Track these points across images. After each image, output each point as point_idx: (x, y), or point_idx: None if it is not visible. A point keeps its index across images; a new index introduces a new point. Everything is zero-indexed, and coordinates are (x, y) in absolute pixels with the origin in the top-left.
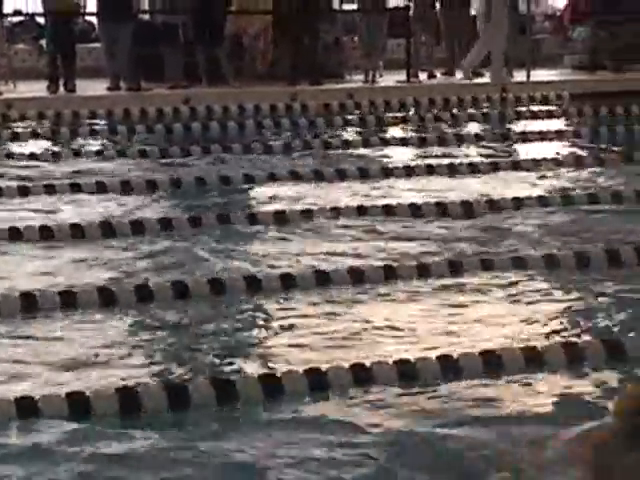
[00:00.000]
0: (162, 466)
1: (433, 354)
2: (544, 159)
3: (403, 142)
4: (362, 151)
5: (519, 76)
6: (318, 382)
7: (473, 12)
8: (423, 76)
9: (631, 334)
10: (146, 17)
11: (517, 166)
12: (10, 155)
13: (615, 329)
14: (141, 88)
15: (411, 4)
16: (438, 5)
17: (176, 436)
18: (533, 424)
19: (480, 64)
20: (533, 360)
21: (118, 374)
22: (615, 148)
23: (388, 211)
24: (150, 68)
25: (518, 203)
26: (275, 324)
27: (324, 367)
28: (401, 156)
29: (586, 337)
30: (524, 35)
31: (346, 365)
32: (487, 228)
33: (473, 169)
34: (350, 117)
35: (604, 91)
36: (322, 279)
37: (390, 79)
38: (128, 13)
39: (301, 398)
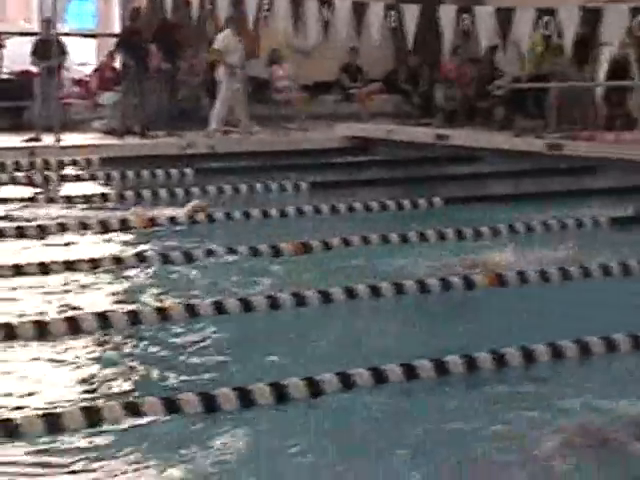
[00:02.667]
0: None
1: None
2: (71, 223)
3: None
4: None
5: (48, 140)
6: None
7: None
8: None
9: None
10: None
11: (44, 231)
12: None
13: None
14: None
15: None
16: None
17: None
18: None
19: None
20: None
21: None
22: (140, 210)
23: None
24: None
25: (44, 268)
26: None
27: None
28: None
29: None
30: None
31: None
32: None
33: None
34: None
35: (132, 155)
36: None
37: None
38: None
39: None
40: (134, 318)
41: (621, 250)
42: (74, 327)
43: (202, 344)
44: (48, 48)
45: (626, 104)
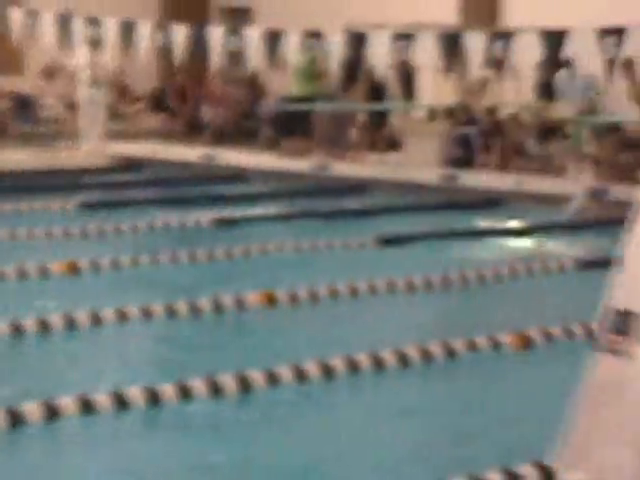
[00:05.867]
0: None
1: None
2: None
3: None
4: None
5: None
6: None
7: None
8: None
9: None
10: None
11: None
12: None
13: None
14: None
15: None
16: None
17: None
18: None
19: None
20: None
21: None
22: None
23: None
24: None
25: None
26: None
27: None
28: None
29: None
30: None
31: None
32: None
33: None
34: None
35: None
36: None
37: None
38: None
39: None
40: None
41: (388, 270)
42: None
43: None
44: None
45: (387, 125)
